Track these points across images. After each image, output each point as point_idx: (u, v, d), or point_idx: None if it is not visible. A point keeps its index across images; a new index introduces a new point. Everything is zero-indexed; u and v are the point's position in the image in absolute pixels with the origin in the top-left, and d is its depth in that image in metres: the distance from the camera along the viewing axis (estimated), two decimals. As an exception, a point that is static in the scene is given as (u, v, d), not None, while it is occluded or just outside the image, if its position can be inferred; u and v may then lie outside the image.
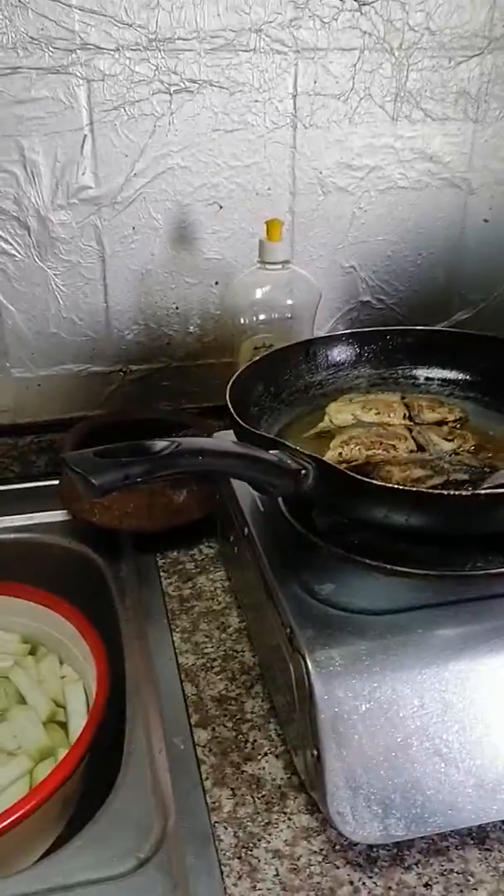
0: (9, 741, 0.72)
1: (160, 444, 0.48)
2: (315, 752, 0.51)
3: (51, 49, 0.80)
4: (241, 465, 0.53)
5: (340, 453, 0.66)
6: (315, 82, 0.88)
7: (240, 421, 0.60)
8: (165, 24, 0.82)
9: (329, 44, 0.86)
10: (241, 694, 0.66)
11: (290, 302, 0.85)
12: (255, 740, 0.62)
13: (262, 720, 0.64)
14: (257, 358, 0.75)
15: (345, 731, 0.50)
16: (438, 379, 0.81)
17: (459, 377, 0.80)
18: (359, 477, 0.52)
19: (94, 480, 0.45)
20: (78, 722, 0.74)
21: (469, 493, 0.52)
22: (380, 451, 0.66)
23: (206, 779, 0.59)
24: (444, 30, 0.88)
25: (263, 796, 0.57)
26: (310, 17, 0.84)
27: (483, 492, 0.52)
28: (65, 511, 0.91)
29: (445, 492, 0.52)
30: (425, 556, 0.58)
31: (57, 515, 0.93)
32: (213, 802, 0.57)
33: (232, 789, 0.58)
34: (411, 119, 0.92)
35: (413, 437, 0.69)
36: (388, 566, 0.57)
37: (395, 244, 0.99)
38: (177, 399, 1.02)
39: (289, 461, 0.52)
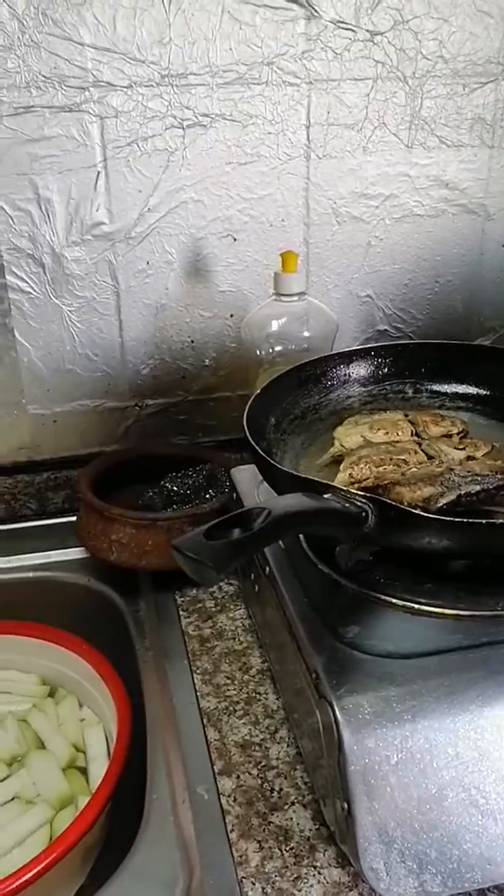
0: (28, 789, 0.70)
1: (254, 512, 0.46)
2: (345, 805, 0.49)
3: (64, 87, 0.80)
4: (319, 521, 0.51)
5: (350, 474, 0.65)
6: (328, 113, 0.87)
7: (288, 470, 0.59)
8: (178, 59, 0.82)
9: (342, 74, 0.86)
10: (266, 739, 0.64)
11: (306, 333, 0.84)
12: (281, 788, 0.60)
13: (287, 767, 0.62)
14: (257, 392, 0.73)
15: (376, 782, 0.48)
16: (427, 391, 0.80)
17: (448, 389, 0.80)
18: (421, 513, 0.50)
19: (212, 567, 0.43)
20: (98, 767, 0.72)
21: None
22: (390, 467, 0.64)
23: (232, 830, 0.57)
24: (458, 57, 0.88)
25: (292, 849, 0.55)
26: (322, 48, 0.84)
27: None
28: (82, 548, 0.90)
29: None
30: (454, 595, 0.56)
31: (74, 553, 0.92)
32: (240, 856, 0.55)
33: (259, 841, 0.56)
34: (426, 146, 0.91)
35: (423, 450, 0.68)
36: (416, 605, 0.55)
37: (412, 272, 0.98)
38: (193, 433, 1.01)
39: (348, 505, 0.50)
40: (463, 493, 0.59)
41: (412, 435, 0.71)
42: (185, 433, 1.01)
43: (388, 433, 0.71)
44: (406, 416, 0.74)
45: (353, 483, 0.63)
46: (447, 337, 1.02)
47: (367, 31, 0.85)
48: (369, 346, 0.81)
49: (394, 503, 0.51)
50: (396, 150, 0.91)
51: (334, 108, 0.87)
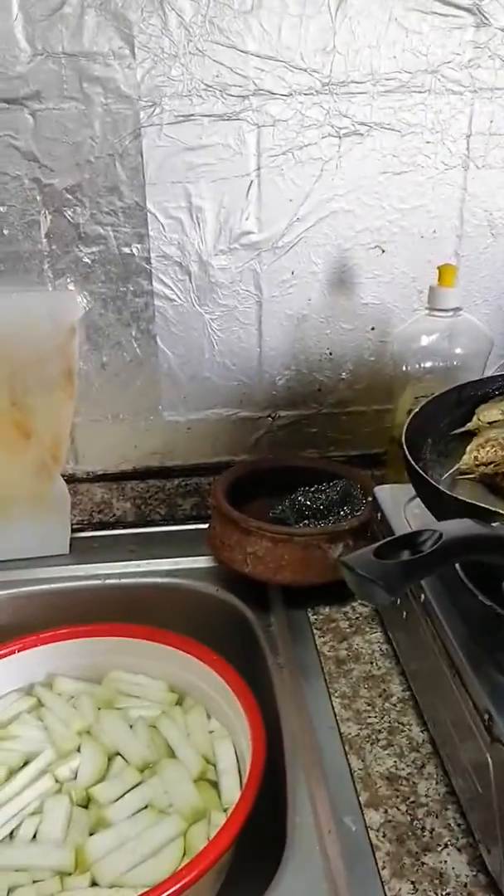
0: (160, 798, 0.69)
1: (424, 534, 0.45)
2: (520, 858, 0.46)
3: (224, 96, 0.80)
4: (488, 550, 0.49)
5: (475, 457, 0.63)
6: (491, 122, 0.84)
7: (456, 496, 0.56)
8: (340, 67, 0.80)
9: (508, 83, 0.83)
10: (413, 773, 0.62)
11: (458, 350, 0.81)
12: (433, 828, 0.57)
13: (438, 805, 0.59)
14: (415, 411, 0.71)
15: None
16: None
17: None
18: None
19: (383, 587, 0.43)
20: (229, 781, 0.70)
21: None
22: None
23: (384, 868, 0.54)
24: None
25: (448, 894, 0.52)
26: (489, 56, 0.81)
27: None
28: (209, 557, 0.89)
29: None
30: None
31: (202, 561, 0.91)
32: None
33: (412, 882, 0.53)
34: None
35: None
36: None
37: None
38: (325, 446, 0.99)
39: None
40: None
41: None
42: (315, 446, 0.99)
43: None
44: None
45: (477, 465, 0.62)
46: None
47: (539, 37, 0.81)
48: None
49: None
50: None
51: (498, 117, 0.84)
